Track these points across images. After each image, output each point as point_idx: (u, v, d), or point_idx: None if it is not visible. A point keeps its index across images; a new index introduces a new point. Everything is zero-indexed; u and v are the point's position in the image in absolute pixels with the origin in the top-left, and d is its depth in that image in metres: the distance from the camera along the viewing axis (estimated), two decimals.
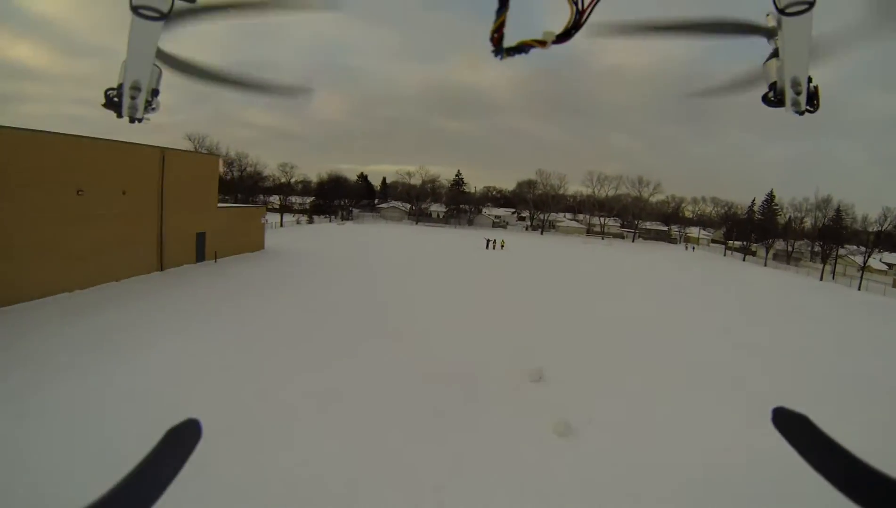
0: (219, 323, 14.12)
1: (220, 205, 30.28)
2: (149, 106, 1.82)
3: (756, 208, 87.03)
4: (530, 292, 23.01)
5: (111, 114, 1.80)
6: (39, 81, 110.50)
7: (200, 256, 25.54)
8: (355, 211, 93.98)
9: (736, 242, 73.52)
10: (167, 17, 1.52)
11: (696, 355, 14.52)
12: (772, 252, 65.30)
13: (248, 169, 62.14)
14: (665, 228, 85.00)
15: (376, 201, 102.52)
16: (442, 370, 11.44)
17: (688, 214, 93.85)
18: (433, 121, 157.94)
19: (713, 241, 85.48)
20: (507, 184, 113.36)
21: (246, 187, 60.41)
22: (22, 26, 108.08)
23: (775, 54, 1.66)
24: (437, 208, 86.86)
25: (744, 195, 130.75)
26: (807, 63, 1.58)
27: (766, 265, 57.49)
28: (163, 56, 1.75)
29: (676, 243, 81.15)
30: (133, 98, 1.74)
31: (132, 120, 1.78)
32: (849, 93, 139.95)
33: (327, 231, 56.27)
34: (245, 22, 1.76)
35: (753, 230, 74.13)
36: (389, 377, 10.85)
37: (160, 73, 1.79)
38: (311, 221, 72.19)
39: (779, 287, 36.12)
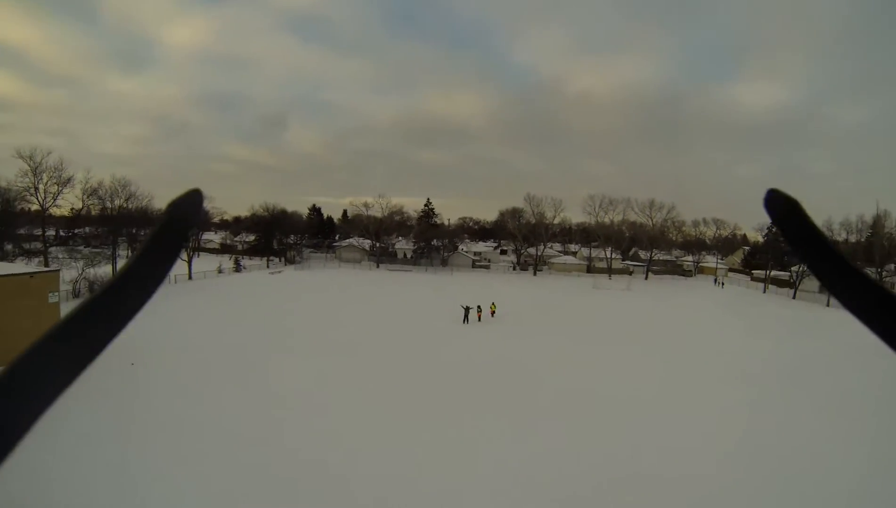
0: None
1: None
2: None
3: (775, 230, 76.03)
4: None
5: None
6: (10, 112, 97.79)
7: None
8: (307, 251, 77.55)
9: (760, 271, 61.13)
10: None
11: None
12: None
13: (130, 201, 43.52)
14: (673, 259, 72.38)
15: (337, 237, 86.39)
16: None
17: (689, 238, 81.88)
18: (407, 151, 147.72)
19: (730, 270, 73.26)
20: (485, 214, 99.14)
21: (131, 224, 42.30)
22: None
23: None
24: (403, 246, 71.52)
25: (733, 215, 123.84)
26: None
27: (828, 305, 44.59)
28: None
29: (691, 276, 68.24)
30: None
31: None
32: (815, 106, 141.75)
33: (247, 286, 40.07)
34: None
35: (781, 256, 62.18)
36: None
37: None
38: (237, 269, 55.29)
39: None
